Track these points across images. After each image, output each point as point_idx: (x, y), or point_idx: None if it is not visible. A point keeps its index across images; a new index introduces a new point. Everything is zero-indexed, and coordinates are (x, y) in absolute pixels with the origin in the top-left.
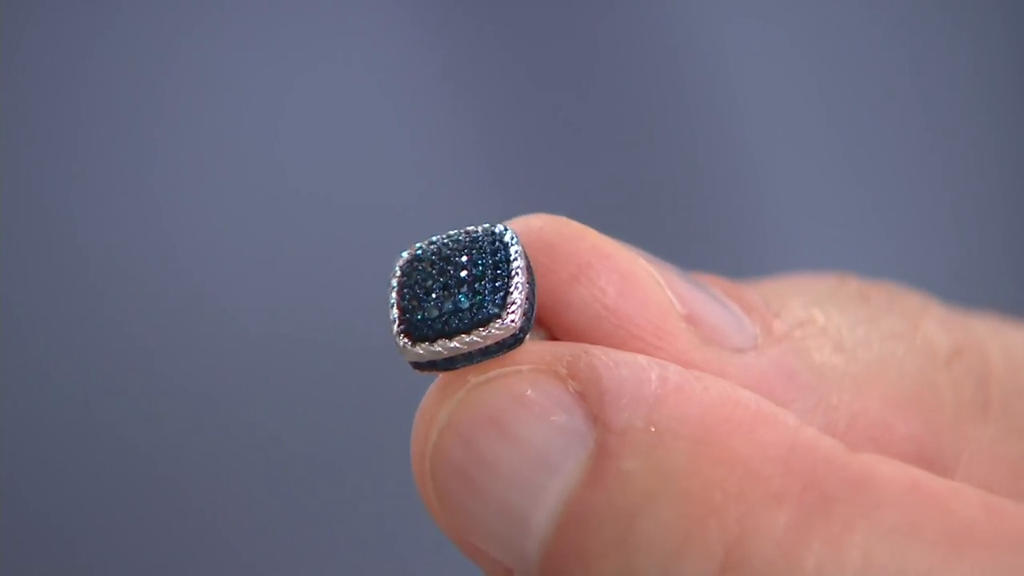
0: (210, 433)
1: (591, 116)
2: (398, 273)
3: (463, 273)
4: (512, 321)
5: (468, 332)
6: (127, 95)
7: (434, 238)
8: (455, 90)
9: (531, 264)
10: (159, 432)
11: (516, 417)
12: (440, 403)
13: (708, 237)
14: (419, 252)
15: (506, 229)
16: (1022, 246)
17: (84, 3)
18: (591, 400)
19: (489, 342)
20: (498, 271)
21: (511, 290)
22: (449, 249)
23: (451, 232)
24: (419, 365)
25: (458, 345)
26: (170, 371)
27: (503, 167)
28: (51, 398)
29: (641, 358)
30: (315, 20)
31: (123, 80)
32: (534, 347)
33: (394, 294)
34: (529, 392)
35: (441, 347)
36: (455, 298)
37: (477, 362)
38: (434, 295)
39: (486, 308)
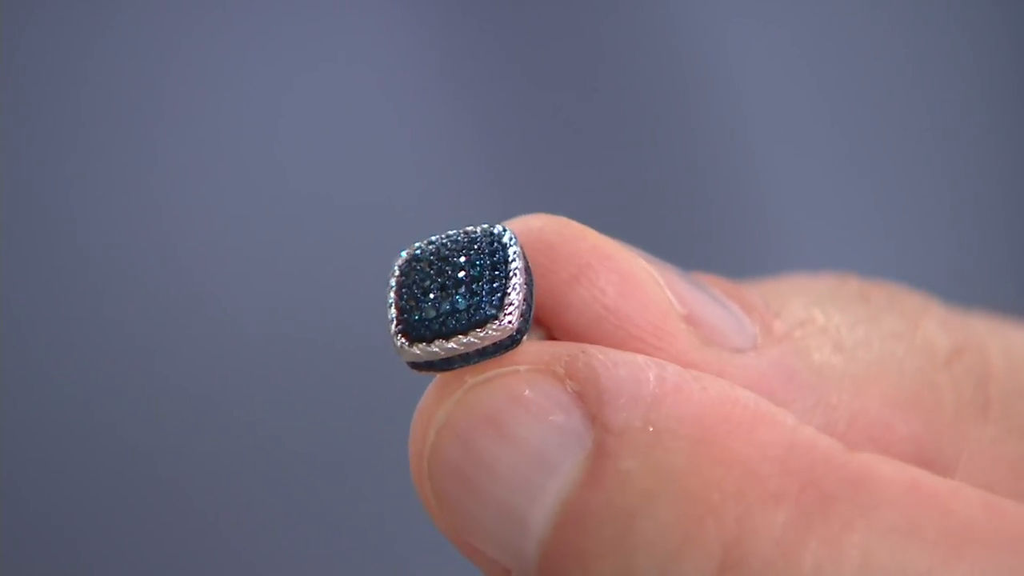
0: (210, 433)
1: (591, 116)
2: (396, 273)
3: (461, 274)
4: (509, 322)
5: (465, 333)
6: (127, 95)
7: (433, 238)
8: (455, 90)
9: (530, 265)
10: (159, 432)
11: (514, 417)
12: (438, 403)
13: (708, 237)
14: (417, 252)
15: (504, 230)
16: (1022, 246)
17: (84, 3)
18: (589, 400)
19: (486, 343)
20: (496, 272)
21: (508, 291)
22: (447, 249)
23: (450, 232)
24: (416, 365)
25: (455, 346)
26: (169, 371)
27: (503, 167)
28: (51, 398)
29: (639, 358)
30: (315, 20)
31: (123, 80)
32: (532, 347)
33: (392, 294)
34: (527, 392)
35: (438, 348)
36: (452, 299)
37: (474, 363)
38: (432, 296)
39: (483, 309)
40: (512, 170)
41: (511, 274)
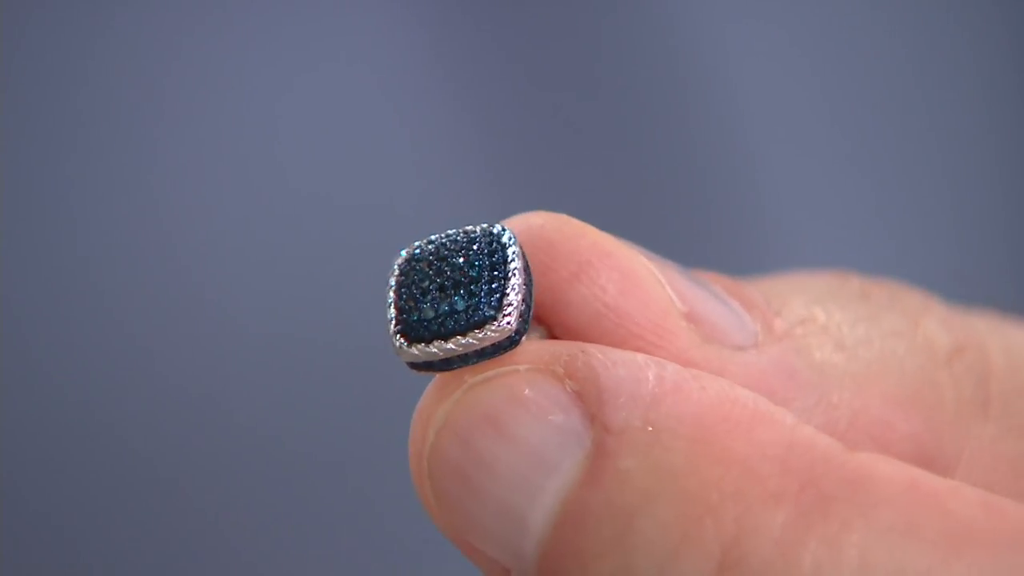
0: (210, 433)
1: (589, 115)
2: (396, 272)
3: (459, 274)
4: (508, 323)
5: (464, 334)
6: (127, 95)
7: (432, 237)
8: (454, 89)
9: (529, 264)
10: (159, 432)
11: (513, 417)
12: (437, 403)
13: (707, 236)
14: (417, 252)
15: (504, 230)
16: (1021, 245)
17: (84, 3)
18: (588, 399)
19: (484, 344)
20: (495, 272)
21: (507, 292)
22: (446, 249)
23: (449, 232)
24: (415, 366)
25: (453, 347)
26: (169, 371)
27: (502, 166)
28: (51, 398)
29: (639, 357)
30: (313, 20)
31: (123, 80)
32: (531, 346)
33: (392, 293)
34: (526, 391)
35: (437, 348)
36: (451, 300)
37: (473, 363)
38: (430, 296)
39: (482, 310)
40: (511, 169)
41: (510, 275)
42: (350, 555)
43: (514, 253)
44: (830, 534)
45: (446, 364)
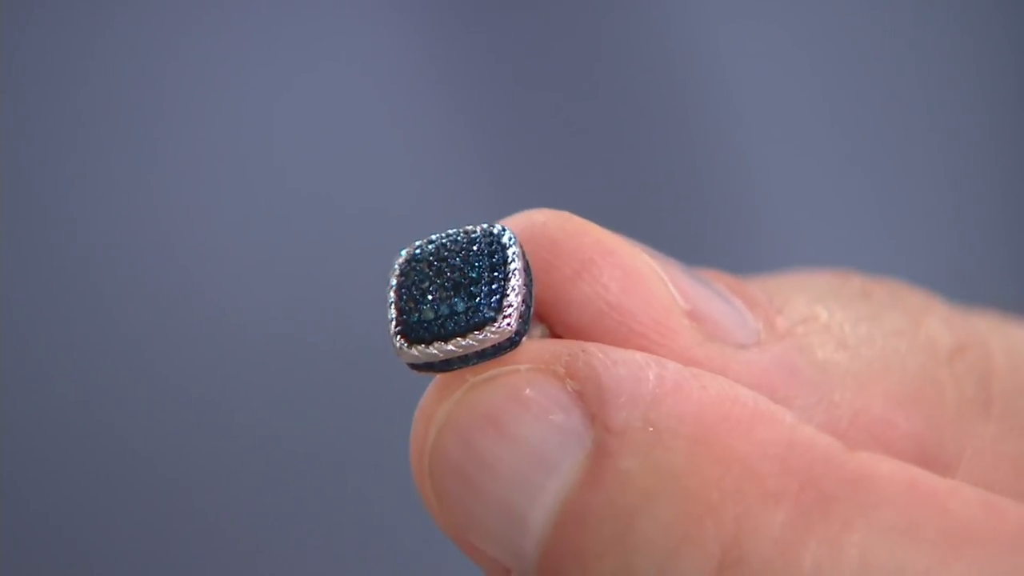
0: (210, 433)
1: (588, 115)
2: (397, 272)
3: (459, 275)
4: (508, 325)
5: (463, 335)
6: (127, 95)
7: (433, 236)
8: (452, 90)
9: (529, 264)
10: (158, 432)
11: (514, 416)
12: (439, 402)
13: (706, 236)
14: (417, 252)
15: (504, 230)
16: (1020, 245)
17: (84, 3)
18: (589, 399)
19: (484, 346)
20: (495, 273)
21: (507, 293)
22: (446, 250)
23: (450, 231)
24: (416, 366)
25: (453, 348)
26: (169, 371)
27: (500, 167)
28: (51, 398)
29: (639, 356)
30: (312, 21)
31: (123, 80)
32: (532, 346)
33: (392, 293)
34: (527, 391)
35: (437, 350)
36: (450, 301)
37: (474, 364)
38: (430, 297)
39: (481, 312)
40: (509, 170)
41: (510, 275)
42: (351, 555)
43: (514, 254)
44: (830, 534)
45: (446, 365)
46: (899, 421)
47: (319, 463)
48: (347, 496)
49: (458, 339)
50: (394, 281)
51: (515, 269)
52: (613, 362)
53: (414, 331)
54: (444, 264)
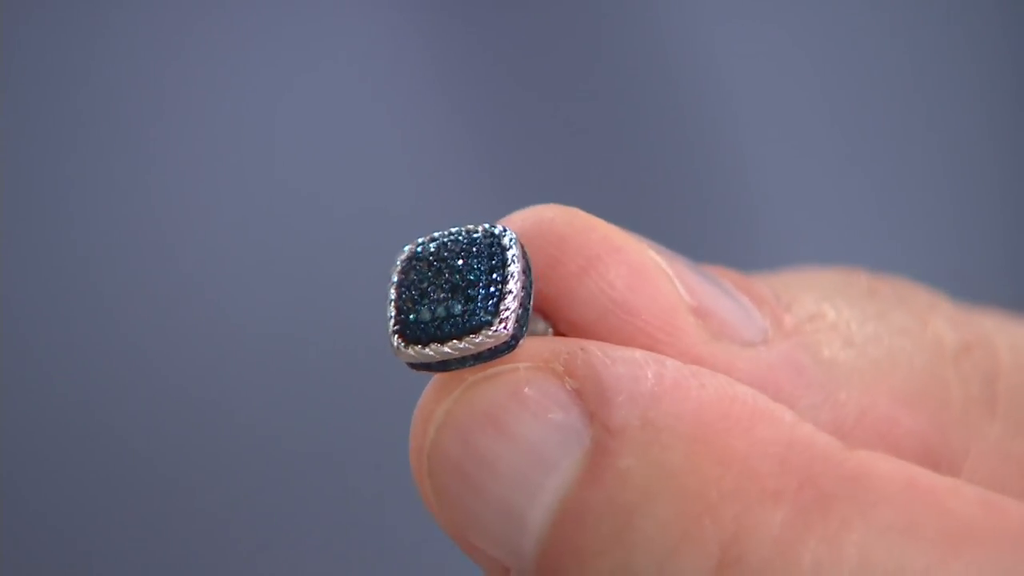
0: (209, 432)
1: (588, 115)
2: (398, 268)
3: (458, 277)
4: (504, 329)
5: (459, 338)
6: (127, 95)
7: (436, 234)
8: (450, 91)
9: (530, 265)
10: (158, 432)
11: (513, 415)
12: (438, 401)
13: (705, 235)
14: (419, 250)
15: (505, 231)
16: (1019, 244)
17: (84, 3)
18: (588, 397)
19: (480, 349)
20: (493, 276)
21: (504, 296)
22: (447, 250)
23: (453, 229)
24: (413, 365)
25: (449, 351)
26: (168, 371)
27: (499, 167)
28: (51, 398)
29: (638, 354)
30: (312, 21)
31: (123, 80)
32: (531, 344)
33: (392, 291)
34: (526, 390)
35: (433, 351)
36: (448, 303)
37: (470, 366)
38: (428, 298)
39: (478, 315)
40: (507, 170)
41: (508, 278)
42: (351, 554)
43: (514, 256)
44: (829, 533)
45: (443, 366)
46: (904, 420)
47: (319, 462)
48: (347, 495)
49: (454, 341)
50: (395, 278)
51: (514, 272)
52: (612, 360)
53: (411, 331)
54: (444, 264)
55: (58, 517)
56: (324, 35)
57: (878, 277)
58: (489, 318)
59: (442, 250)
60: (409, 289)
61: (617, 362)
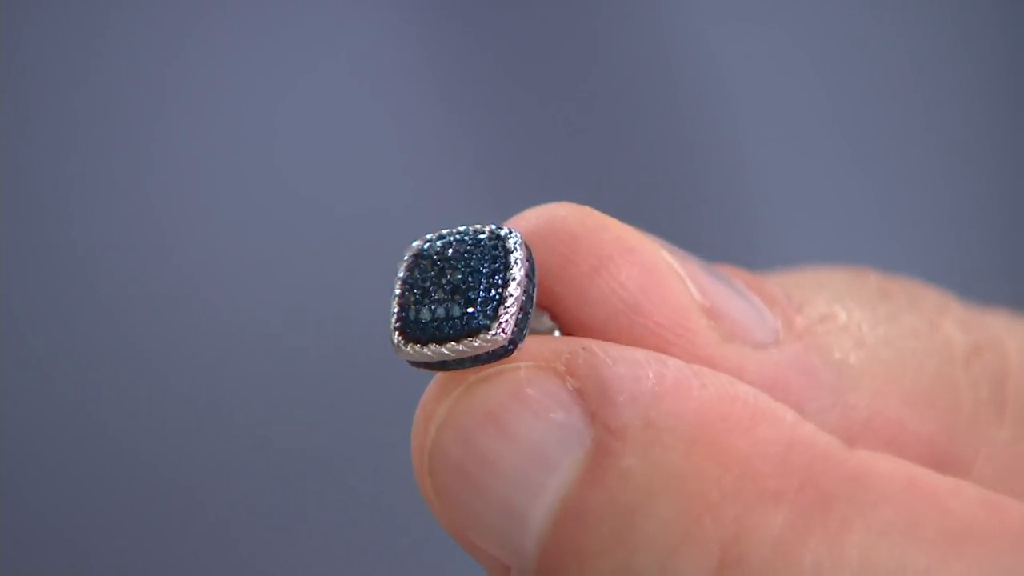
0: (209, 433)
1: (587, 115)
2: (405, 264)
3: (459, 279)
4: (501, 334)
5: (457, 340)
6: (127, 95)
7: (444, 232)
8: (449, 91)
9: (535, 268)
10: (158, 433)
11: (514, 414)
12: (439, 400)
13: (704, 235)
14: (425, 248)
15: (511, 233)
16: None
17: (84, 3)
18: (589, 397)
19: (477, 352)
20: (495, 279)
21: (504, 300)
22: (451, 249)
23: (461, 228)
24: (413, 363)
25: (447, 352)
26: (168, 371)
27: (499, 167)
28: (51, 398)
29: (640, 354)
30: (311, 21)
31: (123, 80)
32: (533, 343)
33: (397, 287)
34: (528, 389)
35: (430, 351)
36: (447, 305)
37: (468, 367)
38: (429, 298)
39: (476, 319)
40: (507, 171)
41: (509, 282)
42: (353, 554)
43: (517, 260)
44: (830, 533)
45: (442, 365)
46: (914, 424)
47: (319, 462)
48: (349, 495)
49: (452, 343)
50: (401, 274)
51: (516, 276)
52: (614, 360)
53: (412, 329)
54: (447, 264)
55: (58, 517)
56: (323, 36)
57: (888, 277)
58: (487, 322)
59: (447, 249)
60: (412, 287)
61: (619, 362)
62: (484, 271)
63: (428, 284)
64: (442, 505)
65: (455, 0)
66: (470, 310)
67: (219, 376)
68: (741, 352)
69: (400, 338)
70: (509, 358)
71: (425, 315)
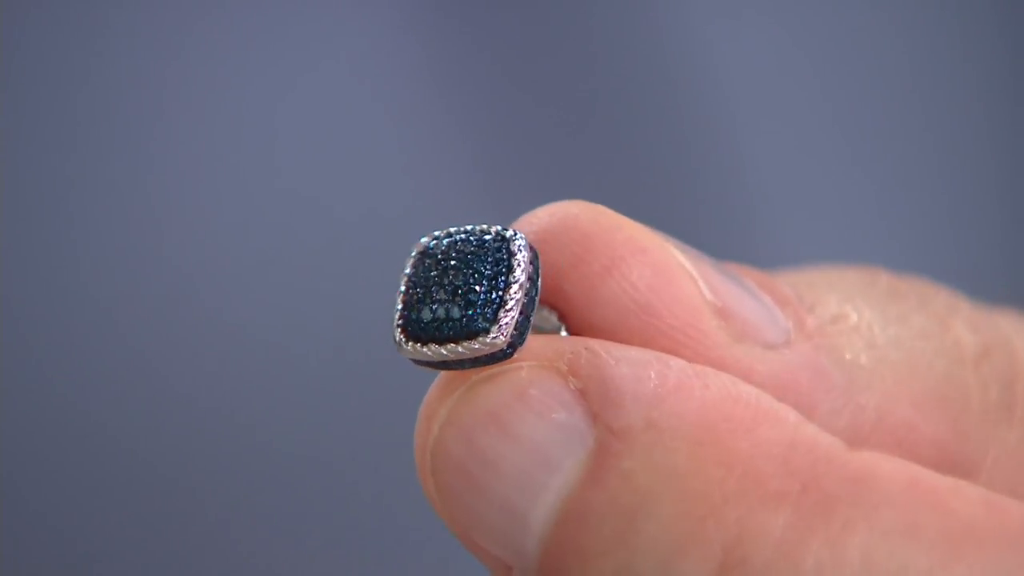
0: (210, 434)
1: (586, 115)
2: (411, 261)
3: (461, 281)
4: (500, 337)
5: (456, 342)
6: (127, 95)
7: (452, 230)
8: (448, 91)
9: (539, 270)
10: (158, 433)
11: (517, 414)
12: (441, 399)
13: (704, 235)
14: (431, 246)
15: (516, 235)
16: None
17: (84, 3)
18: (591, 398)
19: (476, 355)
20: (496, 281)
21: (505, 303)
22: (456, 250)
23: (467, 228)
24: (415, 361)
25: (446, 353)
26: (168, 371)
27: (498, 168)
28: (51, 398)
29: (643, 354)
30: (311, 22)
31: (123, 80)
32: (536, 343)
33: (403, 285)
34: (530, 389)
35: (430, 351)
36: (449, 306)
37: (468, 368)
38: (431, 298)
39: (476, 322)
40: (507, 171)
41: (511, 285)
42: (354, 554)
43: (520, 262)
44: (832, 535)
45: (443, 365)
46: (923, 425)
47: (320, 462)
48: (351, 495)
49: (451, 344)
50: (407, 270)
51: (518, 278)
52: (616, 360)
53: (413, 328)
54: (450, 265)
55: (58, 517)
56: (323, 36)
57: (898, 277)
58: (487, 325)
59: (451, 249)
60: (416, 286)
61: (621, 362)
62: (486, 273)
63: (431, 284)
64: (444, 504)
65: (454, 0)
66: (470, 312)
67: (219, 376)
68: (752, 353)
69: (402, 335)
70: (512, 357)
71: (426, 315)
